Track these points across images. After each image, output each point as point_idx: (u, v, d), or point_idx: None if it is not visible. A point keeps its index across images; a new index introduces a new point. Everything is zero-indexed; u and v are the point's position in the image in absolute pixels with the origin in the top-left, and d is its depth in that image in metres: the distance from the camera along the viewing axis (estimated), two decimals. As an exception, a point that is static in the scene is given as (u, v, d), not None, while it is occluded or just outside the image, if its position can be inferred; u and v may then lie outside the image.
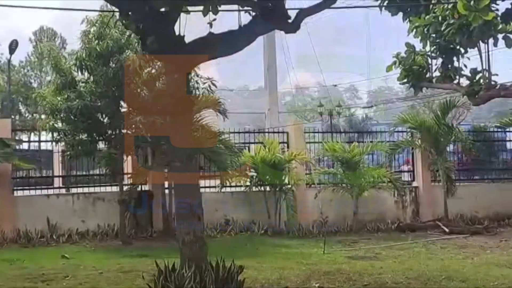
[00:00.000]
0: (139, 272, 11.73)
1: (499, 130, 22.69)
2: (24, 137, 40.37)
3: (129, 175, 18.79)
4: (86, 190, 18.93)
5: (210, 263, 8.39)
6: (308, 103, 65.76)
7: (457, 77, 17.91)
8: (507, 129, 22.45)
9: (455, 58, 17.84)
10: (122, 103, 17.11)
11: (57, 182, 21.18)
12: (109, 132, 17.21)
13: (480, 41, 17.04)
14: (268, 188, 19.09)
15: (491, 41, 16.98)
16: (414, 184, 21.17)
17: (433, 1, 16.60)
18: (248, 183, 19.16)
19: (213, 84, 16.92)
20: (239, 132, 20.49)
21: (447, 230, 18.42)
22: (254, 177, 19.10)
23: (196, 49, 8.45)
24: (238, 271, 8.36)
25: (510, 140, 23.76)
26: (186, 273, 7.98)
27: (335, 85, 50.56)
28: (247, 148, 20.72)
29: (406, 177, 21.82)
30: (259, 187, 19.19)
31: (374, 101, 60.36)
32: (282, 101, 60.84)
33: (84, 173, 20.20)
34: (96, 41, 16.58)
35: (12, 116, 52.30)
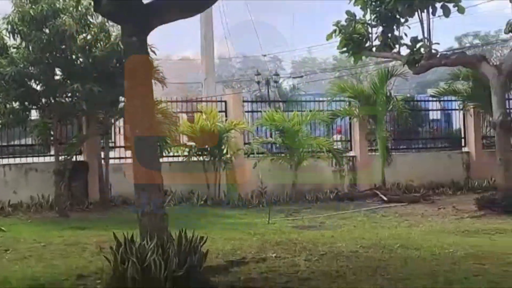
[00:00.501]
0: (85, 244, 11.37)
1: (434, 99, 22.94)
2: None
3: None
4: (18, 160, 18.15)
5: (170, 235, 8.06)
6: (234, 74, 65.52)
7: (397, 46, 17.99)
8: (442, 99, 22.73)
9: (395, 27, 17.90)
10: (57, 70, 16.46)
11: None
12: (43, 100, 16.54)
13: (420, 10, 17.15)
14: (207, 158, 18.78)
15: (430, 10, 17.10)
16: (352, 153, 21.21)
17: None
18: (186, 153, 18.82)
19: (153, 51, 16.37)
20: (177, 101, 20.00)
21: (385, 198, 18.55)
22: (193, 146, 18.75)
23: (156, 11, 8.03)
24: (201, 242, 8.05)
25: (442, 110, 24.03)
26: (147, 245, 7.61)
27: (265, 55, 50.26)
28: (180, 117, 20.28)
29: (339, 146, 21.87)
30: (198, 157, 18.85)
31: (299, 72, 60.42)
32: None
33: (14, 143, 19.35)
34: (30, 5, 15.79)
35: None
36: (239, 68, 70.51)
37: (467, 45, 55.73)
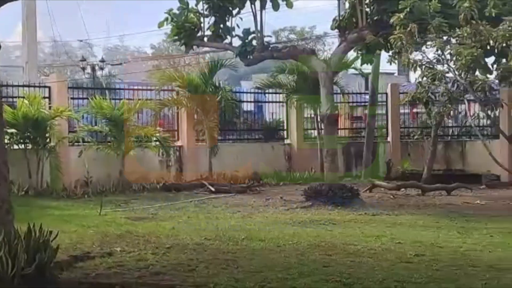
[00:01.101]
0: None
1: (259, 91, 23.29)
2: None
3: None
4: None
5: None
6: (45, 59, 62.83)
7: (229, 37, 18.03)
8: (267, 91, 23.08)
9: (227, 18, 17.93)
10: None
11: None
12: None
13: (251, 2, 17.32)
14: (30, 146, 17.84)
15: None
16: (179, 143, 21.04)
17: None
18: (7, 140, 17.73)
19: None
20: (-3, 85, 18.75)
21: (213, 189, 18.50)
22: (15, 134, 17.70)
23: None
24: (51, 238, 7.52)
25: (269, 102, 24.42)
26: (-8, 241, 6.98)
27: (81, 40, 48.64)
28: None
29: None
30: (19, 145, 17.86)
31: (112, 60, 59.15)
32: (11, 56, 57.43)
33: None
34: None
35: None
36: (49, 53, 67.70)
37: (284, 39, 57.15)
